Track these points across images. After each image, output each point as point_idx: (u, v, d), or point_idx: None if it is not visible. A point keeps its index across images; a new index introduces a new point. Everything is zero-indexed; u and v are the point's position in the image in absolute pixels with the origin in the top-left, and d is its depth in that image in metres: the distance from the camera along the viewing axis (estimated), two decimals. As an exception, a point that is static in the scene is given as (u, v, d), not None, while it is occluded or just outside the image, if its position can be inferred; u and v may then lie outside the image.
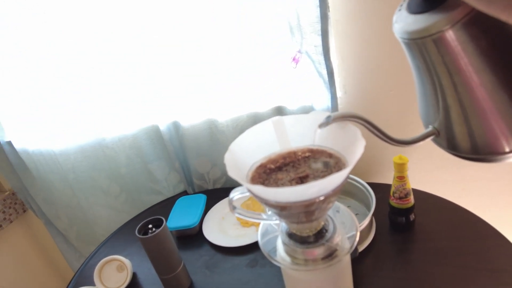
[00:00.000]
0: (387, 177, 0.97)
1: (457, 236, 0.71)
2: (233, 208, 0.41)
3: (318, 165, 0.39)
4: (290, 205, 0.33)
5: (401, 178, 0.70)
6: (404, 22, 0.33)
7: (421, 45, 0.32)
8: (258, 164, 0.40)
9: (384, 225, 0.78)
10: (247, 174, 0.39)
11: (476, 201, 0.92)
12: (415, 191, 0.77)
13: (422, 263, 0.67)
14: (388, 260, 0.70)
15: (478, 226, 0.72)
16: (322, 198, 0.33)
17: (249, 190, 0.36)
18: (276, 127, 0.41)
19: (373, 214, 0.75)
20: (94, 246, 1.36)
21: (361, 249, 0.71)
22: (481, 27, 0.29)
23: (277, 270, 0.74)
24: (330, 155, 0.39)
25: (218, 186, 1.12)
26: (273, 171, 0.40)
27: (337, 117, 0.35)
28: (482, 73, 0.31)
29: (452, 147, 0.37)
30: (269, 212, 0.42)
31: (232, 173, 0.34)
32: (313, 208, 0.34)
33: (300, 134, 0.41)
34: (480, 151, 0.34)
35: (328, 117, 0.35)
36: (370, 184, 0.79)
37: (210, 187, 1.12)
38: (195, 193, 1.11)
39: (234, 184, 1.15)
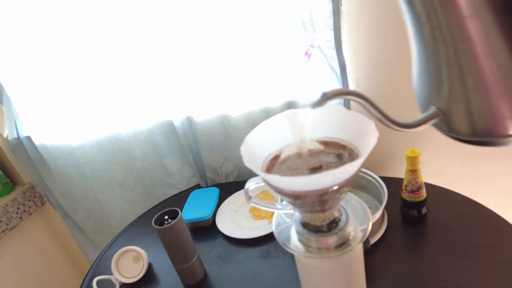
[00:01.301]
0: (399, 172, 0.97)
1: (471, 229, 0.71)
2: (249, 198, 0.42)
3: (331, 157, 0.40)
4: (304, 194, 0.35)
5: (413, 171, 0.70)
6: None
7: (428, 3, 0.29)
8: (272, 155, 0.41)
9: (396, 219, 0.78)
10: (262, 165, 0.40)
11: (490, 195, 0.92)
12: (428, 185, 0.77)
13: (435, 256, 0.67)
14: (400, 252, 0.71)
15: (492, 220, 0.72)
16: (335, 188, 0.34)
17: (264, 180, 0.37)
18: (290, 120, 0.42)
19: (385, 208, 0.75)
20: (109, 239, 1.40)
21: (373, 241, 0.72)
22: None
23: (290, 261, 0.75)
24: (344, 147, 0.40)
25: (230, 180, 1.14)
26: (287, 162, 0.41)
27: (331, 94, 0.31)
28: (494, 39, 0.27)
29: (451, 129, 0.34)
30: (284, 202, 0.43)
31: (248, 164, 0.35)
32: (326, 197, 0.35)
33: (314, 127, 0.42)
34: (482, 133, 0.31)
35: (323, 94, 0.31)
36: (382, 178, 0.79)
37: (223, 180, 1.14)
38: (207, 186, 1.13)
39: (246, 178, 1.17)
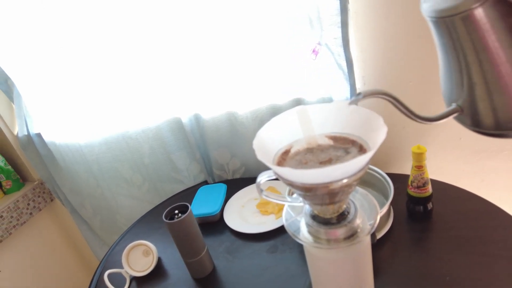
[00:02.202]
0: (405, 168, 0.97)
1: (476, 225, 0.72)
2: (260, 191, 0.43)
3: (340, 151, 0.41)
4: (315, 187, 0.36)
5: (419, 167, 0.71)
6: (433, 1, 0.34)
7: (449, 23, 0.33)
8: (283, 150, 0.43)
9: (401, 214, 0.79)
10: (273, 159, 0.41)
11: (495, 192, 0.92)
12: (434, 182, 0.78)
13: (441, 250, 0.68)
14: (406, 247, 0.72)
15: (498, 216, 0.73)
16: (345, 181, 0.35)
17: (276, 173, 0.38)
18: (300, 115, 0.43)
19: (391, 204, 0.76)
20: (116, 235, 1.42)
21: (379, 236, 0.73)
22: (509, 5, 0.30)
23: (297, 256, 0.77)
24: (353, 142, 0.41)
25: (237, 176, 1.15)
26: (297, 156, 0.42)
27: (367, 94, 0.36)
28: (509, 50, 0.32)
29: (476, 124, 0.38)
30: (294, 195, 0.44)
31: (261, 157, 0.36)
32: (336, 190, 0.37)
33: (323, 122, 0.43)
34: (503, 126, 0.36)
35: (359, 94, 0.36)
36: (388, 174, 0.80)
37: (230, 177, 1.16)
38: (214, 183, 1.15)
39: (253, 175, 1.18)
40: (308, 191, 0.37)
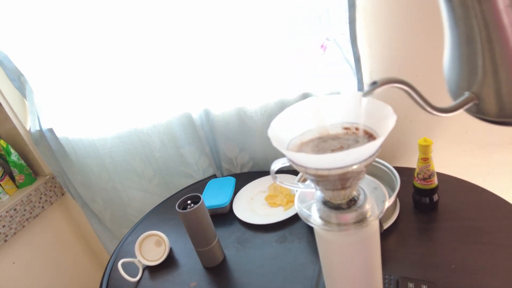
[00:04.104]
0: (411, 162, 0.99)
1: (481, 216, 0.73)
2: (275, 177, 0.45)
3: (351, 140, 0.43)
4: (328, 173, 0.38)
5: (425, 159, 0.73)
6: None
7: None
8: (296, 139, 0.45)
9: (408, 206, 0.81)
10: (286, 148, 0.43)
11: (501, 185, 0.94)
12: (439, 175, 0.80)
13: (446, 240, 0.70)
14: (412, 237, 0.74)
15: (503, 207, 0.74)
16: (356, 167, 0.37)
17: (290, 160, 0.40)
18: (312, 106, 0.45)
19: (397, 196, 0.78)
20: (126, 228, 1.45)
21: (386, 226, 0.75)
22: None
23: (305, 246, 0.79)
24: (362, 131, 0.43)
25: (245, 170, 1.17)
26: (310, 145, 0.44)
27: (383, 82, 0.35)
28: None
29: (495, 112, 0.36)
30: (307, 182, 0.46)
31: (276, 144, 0.39)
32: (348, 175, 0.39)
33: (334, 112, 0.45)
34: (510, 113, 0.34)
35: (374, 82, 0.35)
36: (394, 168, 0.82)
37: (238, 171, 1.18)
38: (223, 176, 1.17)
39: (261, 169, 1.19)
40: (321, 177, 0.39)
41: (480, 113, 0.37)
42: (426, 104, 0.36)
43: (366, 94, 0.35)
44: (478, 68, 0.35)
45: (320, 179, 0.40)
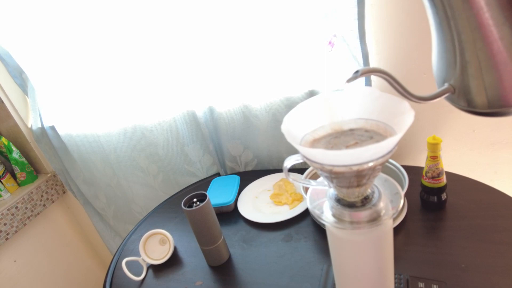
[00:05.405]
0: (418, 161, 0.98)
1: (490, 214, 0.73)
2: (288, 174, 0.44)
3: (365, 136, 0.42)
4: (343, 170, 0.37)
5: (434, 158, 0.72)
6: None
7: (445, 1, 0.35)
8: (309, 135, 0.44)
9: (416, 205, 0.80)
10: (299, 143, 0.43)
11: (509, 184, 0.93)
12: (447, 174, 0.79)
13: (454, 239, 0.69)
14: (420, 236, 0.73)
15: (511, 206, 0.73)
16: (371, 164, 0.36)
17: (304, 157, 0.39)
18: (325, 102, 0.44)
19: (405, 195, 0.77)
20: (130, 225, 1.44)
21: (394, 225, 0.74)
22: None
23: (311, 244, 0.78)
24: (377, 127, 0.42)
25: (249, 168, 1.16)
26: (322, 141, 0.43)
27: (364, 72, 0.38)
28: (502, 27, 0.33)
29: (468, 104, 0.39)
30: (320, 179, 0.46)
31: (290, 140, 0.38)
32: (364, 172, 0.38)
33: (347, 108, 0.44)
34: (495, 104, 0.37)
35: (356, 72, 0.38)
36: (402, 166, 0.81)
37: (242, 169, 1.17)
38: (227, 175, 1.16)
39: (265, 167, 1.18)
40: (336, 173, 0.38)
41: (469, 106, 0.40)
42: (405, 92, 0.40)
43: (348, 81, 0.38)
44: (456, 63, 0.38)
45: (335, 176, 0.39)
